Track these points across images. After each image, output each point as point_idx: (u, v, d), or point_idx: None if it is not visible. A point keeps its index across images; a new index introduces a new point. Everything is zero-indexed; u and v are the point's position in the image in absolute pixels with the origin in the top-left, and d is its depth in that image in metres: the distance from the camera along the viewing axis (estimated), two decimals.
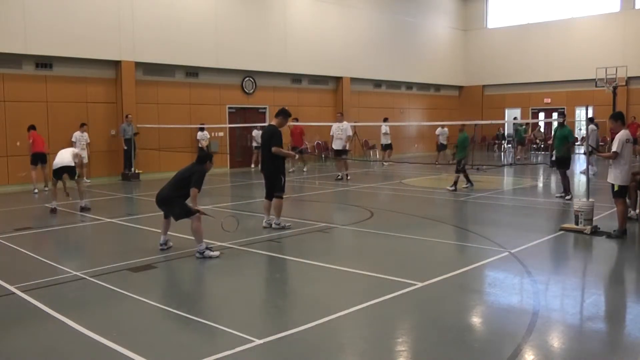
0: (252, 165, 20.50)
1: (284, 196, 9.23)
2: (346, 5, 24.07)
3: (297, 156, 17.14)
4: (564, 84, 27.47)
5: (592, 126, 16.22)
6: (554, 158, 12.59)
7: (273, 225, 9.07)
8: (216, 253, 7.34)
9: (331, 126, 17.21)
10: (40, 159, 14.14)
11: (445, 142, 21.49)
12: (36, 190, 14.20)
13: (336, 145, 16.73)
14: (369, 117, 24.61)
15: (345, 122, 16.79)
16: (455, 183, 13.54)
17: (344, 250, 8.20)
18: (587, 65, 24.97)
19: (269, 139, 8.94)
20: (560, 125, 12.59)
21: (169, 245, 7.77)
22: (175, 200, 7.42)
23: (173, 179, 7.62)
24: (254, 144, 20.35)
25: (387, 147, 22.25)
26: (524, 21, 28.91)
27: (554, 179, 15.65)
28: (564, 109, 27.19)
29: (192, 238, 7.66)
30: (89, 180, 16.47)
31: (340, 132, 16.57)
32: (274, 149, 8.84)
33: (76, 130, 16.16)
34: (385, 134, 22.05)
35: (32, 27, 15.31)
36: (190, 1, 18.84)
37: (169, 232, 7.78)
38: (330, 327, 4.92)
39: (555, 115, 26.95)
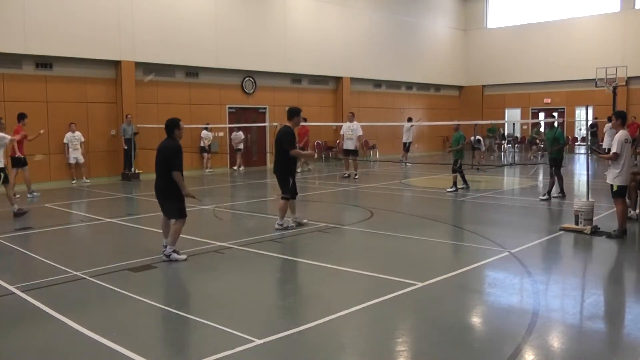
0: (235, 167, 20.07)
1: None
2: (346, 5, 24.05)
3: (315, 155, 17.24)
4: (564, 84, 27.44)
5: (610, 124, 16.17)
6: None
7: (276, 226, 9.06)
8: (183, 257, 7.17)
9: (341, 126, 17.32)
10: (20, 163, 12.98)
11: (477, 146, 20.71)
12: (18, 195, 12.96)
13: (347, 145, 16.92)
14: (369, 117, 24.60)
15: (355, 122, 16.88)
16: (455, 184, 13.54)
17: (344, 250, 8.20)
18: (587, 65, 24.94)
19: (280, 140, 8.93)
20: (550, 126, 12.55)
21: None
22: (172, 193, 7.09)
23: (157, 163, 7.16)
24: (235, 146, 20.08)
25: (409, 147, 22.08)
26: (524, 21, 28.87)
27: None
28: (563, 109, 27.19)
29: (191, 238, 7.68)
30: (88, 180, 16.47)
31: (350, 132, 16.69)
32: (292, 151, 8.85)
33: (67, 132, 16.06)
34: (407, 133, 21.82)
35: (32, 27, 15.30)
36: (190, 1, 18.83)
37: None
38: (330, 327, 4.92)
39: (555, 115, 26.93)
